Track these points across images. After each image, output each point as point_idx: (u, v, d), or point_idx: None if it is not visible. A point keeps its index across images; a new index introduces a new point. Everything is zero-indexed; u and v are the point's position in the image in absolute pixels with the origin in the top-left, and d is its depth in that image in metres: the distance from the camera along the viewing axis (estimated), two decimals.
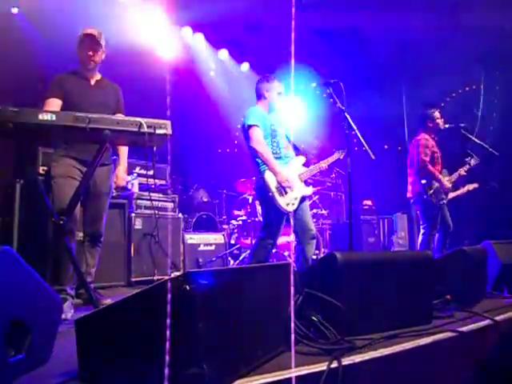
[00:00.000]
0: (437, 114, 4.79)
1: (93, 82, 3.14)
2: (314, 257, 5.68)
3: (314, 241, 3.52)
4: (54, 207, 2.67)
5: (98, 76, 3.21)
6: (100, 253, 3.22)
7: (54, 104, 2.93)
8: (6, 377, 1.23)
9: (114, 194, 4.45)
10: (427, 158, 4.61)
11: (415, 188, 4.76)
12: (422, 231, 4.76)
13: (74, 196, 2.31)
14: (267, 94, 3.56)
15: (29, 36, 5.16)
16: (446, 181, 4.64)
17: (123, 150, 3.35)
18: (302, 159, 3.69)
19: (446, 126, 4.75)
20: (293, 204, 3.40)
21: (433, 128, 4.76)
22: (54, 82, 3.02)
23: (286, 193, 3.36)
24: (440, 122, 4.74)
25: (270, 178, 3.35)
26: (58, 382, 1.29)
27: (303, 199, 3.52)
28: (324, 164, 3.72)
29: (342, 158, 3.86)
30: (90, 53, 3.03)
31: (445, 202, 4.63)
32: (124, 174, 3.35)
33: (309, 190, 3.64)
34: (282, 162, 3.47)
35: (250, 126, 3.39)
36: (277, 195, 3.32)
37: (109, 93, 3.20)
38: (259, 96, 3.60)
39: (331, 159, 3.79)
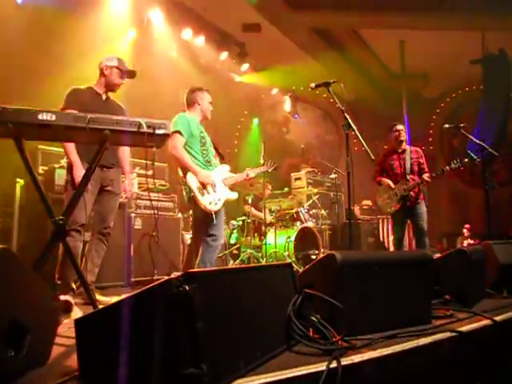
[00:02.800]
0: (396, 127, 5.01)
1: (104, 98, 3.38)
2: (314, 257, 5.70)
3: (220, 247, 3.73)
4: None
5: (108, 94, 3.44)
6: (104, 252, 3.37)
7: None
8: (5, 376, 1.23)
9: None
10: (376, 174, 5.11)
11: None
12: None
13: (74, 196, 2.31)
14: (201, 101, 3.73)
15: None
16: (402, 189, 4.82)
17: (126, 160, 3.51)
18: (227, 167, 3.89)
19: (446, 126, 4.80)
20: (215, 204, 3.54)
21: (392, 141, 5.05)
22: (69, 94, 3.21)
23: (208, 192, 3.52)
24: (396, 134, 4.97)
25: (191, 179, 3.49)
26: (58, 382, 1.29)
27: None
28: (250, 173, 4.05)
29: (270, 171, 4.36)
30: (122, 80, 3.37)
31: (393, 209, 4.92)
32: (131, 185, 3.64)
33: (233, 195, 3.82)
34: (211, 168, 3.66)
35: (172, 132, 3.44)
36: (198, 195, 3.46)
37: (118, 110, 3.40)
38: (192, 104, 3.75)
39: (257, 170, 4.17)
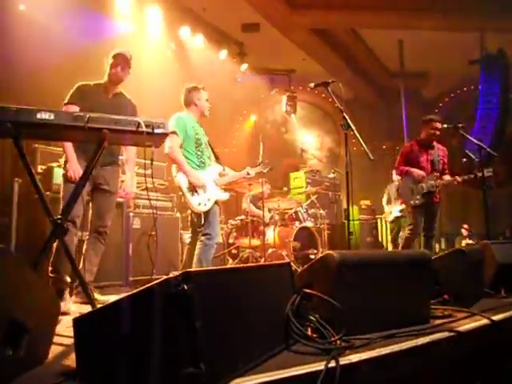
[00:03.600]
0: (436, 124, 4.78)
1: (110, 96, 3.34)
2: (312, 256, 5.70)
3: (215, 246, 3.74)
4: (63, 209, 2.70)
5: (118, 90, 3.39)
6: (103, 251, 3.34)
7: (72, 110, 3.00)
8: (3, 376, 1.23)
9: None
10: (399, 163, 4.88)
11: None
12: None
13: (73, 195, 2.30)
14: (198, 101, 3.77)
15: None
16: (430, 184, 4.67)
17: (131, 160, 3.47)
18: (219, 168, 3.90)
19: (445, 126, 4.78)
20: (205, 205, 3.58)
21: (425, 135, 4.85)
22: (75, 90, 3.21)
23: (197, 193, 3.55)
24: (432, 131, 4.76)
25: (181, 178, 3.55)
26: (57, 381, 1.29)
27: (216, 202, 3.71)
28: (251, 172, 4.05)
29: (265, 171, 4.30)
30: (119, 70, 3.27)
31: (416, 202, 4.69)
32: (131, 186, 3.50)
33: (224, 195, 3.83)
34: (204, 169, 3.69)
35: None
36: (188, 195, 3.52)
37: (125, 108, 3.32)
38: (189, 103, 3.79)
39: (255, 170, 4.12)
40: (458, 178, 4.62)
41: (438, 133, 4.77)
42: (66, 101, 3.16)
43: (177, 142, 3.56)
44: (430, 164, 4.79)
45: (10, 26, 5.02)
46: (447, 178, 4.70)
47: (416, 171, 4.72)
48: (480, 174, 4.51)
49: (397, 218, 7.62)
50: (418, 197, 4.70)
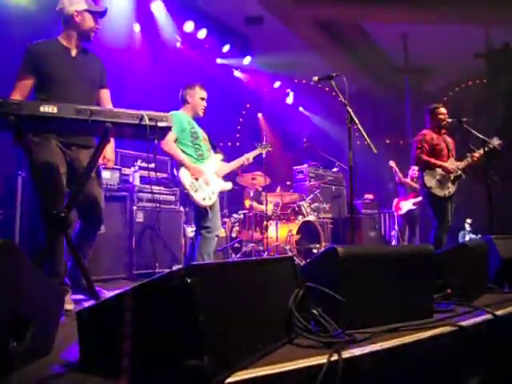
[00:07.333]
0: (441, 109, 4.80)
1: (74, 53, 2.77)
2: (315, 250, 5.70)
3: (216, 239, 3.71)
4: (42, 199, 2.47)
5: (80, 47, 2.83)
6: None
7: (24, 86, 2.61)
8: (8, 367, 1.24)
9: (115, 187, 4.47)
10: (419, 151, 4.68)
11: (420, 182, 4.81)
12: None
13: (74, 196, 2.29)
14: (190, 99, 3.76)
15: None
16: (453, 167, 4.60)
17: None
18: (219, 156, 3.88)
19: (449, 120, 4.75)
20: (210, 198, 3.57)
21: (436, 124, 4.80)
22: (26, 56, 2.64)
23: (201, 188, 3.54)
24: (442, 117, 4.76)
25: (183, 175, 3.52)
26: (60, 372, 1.30)
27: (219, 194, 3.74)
28: (245, 159, 3.98)
29: (264, 152, 4.27)
30: (99, 27, 2.81)
31: (450, 191, 4.57)
32: (112, 154, 2.99)
33: (228, 185, 3.83)
34: (203, 162, 3.67)
35: None
36: (192, 192, 3.49)
37: (93, 66, 2.87)
38: (183, 102, 3.79)
39: (252, 154, 4.06)
40: (476, 154, 4.53)
41: (446, 117, 4.74)
42: (19, 72, 2.61)
43: (171, 137, 3.48)
44: (446, 150, 4.75)
45: None
46: (476, 154, 4.56)
47: (442, 164, 4.62)
48: (492, 145, 4.43)
49: (409, 211, 7.59)
50: (449, 185, 4.59)
